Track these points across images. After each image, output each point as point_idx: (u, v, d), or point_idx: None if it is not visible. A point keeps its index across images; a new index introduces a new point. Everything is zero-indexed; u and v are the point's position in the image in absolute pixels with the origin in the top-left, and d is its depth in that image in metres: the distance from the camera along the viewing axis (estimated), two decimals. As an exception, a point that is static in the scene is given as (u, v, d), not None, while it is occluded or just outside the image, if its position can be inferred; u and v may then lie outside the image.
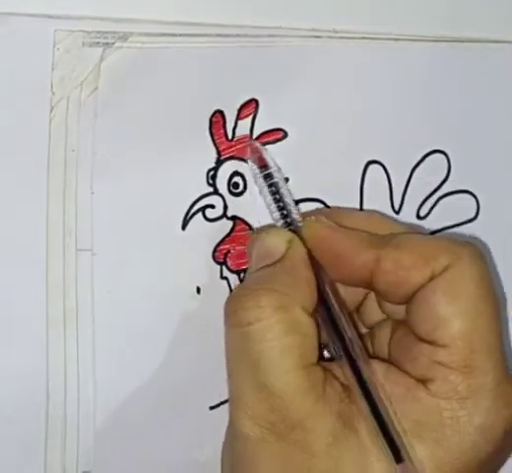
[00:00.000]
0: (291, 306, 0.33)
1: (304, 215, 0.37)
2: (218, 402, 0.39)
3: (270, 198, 0.37)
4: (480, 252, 0.35)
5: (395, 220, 0.40)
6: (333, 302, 0.35)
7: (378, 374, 0.34)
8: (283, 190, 0.37)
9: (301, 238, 0.36)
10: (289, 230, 0.37)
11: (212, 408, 0.39)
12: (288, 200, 0.37)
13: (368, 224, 0.37)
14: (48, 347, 0.37)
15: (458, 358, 0.33)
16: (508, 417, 0.33)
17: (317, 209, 0.40)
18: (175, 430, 0.39)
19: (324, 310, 0.35)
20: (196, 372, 0.39)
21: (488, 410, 0.33)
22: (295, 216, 0.37)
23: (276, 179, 0.37)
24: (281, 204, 0.37)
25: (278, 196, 0.37)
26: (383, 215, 0.40)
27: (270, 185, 0.37)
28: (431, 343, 0.33)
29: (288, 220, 0.37)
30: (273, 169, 0.38)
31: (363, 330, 0.39)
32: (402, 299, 0.35)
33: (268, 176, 0.37)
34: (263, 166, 0.38)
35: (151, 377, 0.38)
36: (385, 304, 0.37)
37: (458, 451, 0.33)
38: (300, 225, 0.37)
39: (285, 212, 0.37)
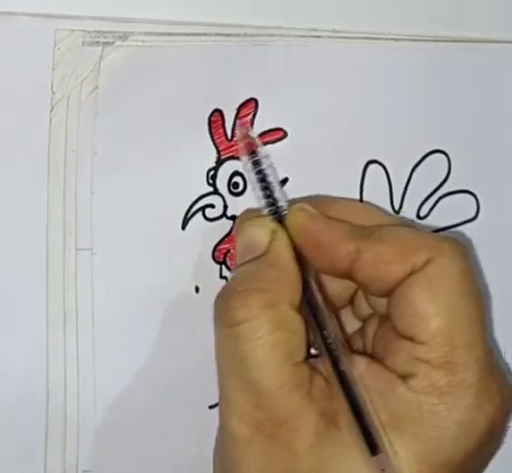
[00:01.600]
0: (279, 304, 0.33)
1: (291, 203, 0.37)
2: (217, 402, 0.39)
3: (257, 185, 0.37)
4: (462, 247, 0.34)
5: (384, 211, 0.40)
6: (316, 294, 0.35)
7: (359, 368, 0.34)
8: (270, 178, 0.37)
9: (286, 228, 0.36)
10: (275, 218, 0.36)
11: (211, 407, 0.39)
12: (276, 187, 0.37)
13: (355, 214, 0.36)
14: (48, 347, 0.37)
15: (438, 354, 0.32)
16: (491, 413, 0.33)
17: (305, 197, 0.39)
18: (175, 429, 0.39)
19: (307, 303, 0.35)
20: (195, 372, 0.38)
21: (469, 406, 0.32)
22: (282, 204, 0.36)
23: (263, 166, 0.37)
24: (267, 192, 0.36)
25: (264, 184, 0.37)
26: (371, 205, 0.40)
27: (258, 172, 0.37)
28: (411, 339, 0.33)
29: (275, 208, 0.36)
30: (261, 156, 0.37)
31: (356, 323, 0.39)
32: (383, 292, 0.34)
33: (256, 163, 0.37)
34: (251, 152, 0.37)
35: (150, 377, 0.38)
36: (369, 297, 0.36)
37: (437, 446, 0.32)
38: (286, 213, 0.36)
39: (271, 200, 0.36)
